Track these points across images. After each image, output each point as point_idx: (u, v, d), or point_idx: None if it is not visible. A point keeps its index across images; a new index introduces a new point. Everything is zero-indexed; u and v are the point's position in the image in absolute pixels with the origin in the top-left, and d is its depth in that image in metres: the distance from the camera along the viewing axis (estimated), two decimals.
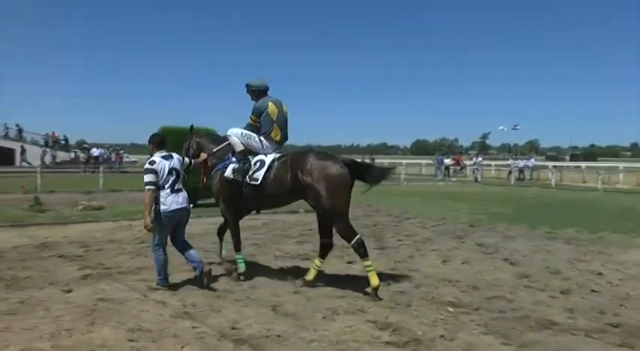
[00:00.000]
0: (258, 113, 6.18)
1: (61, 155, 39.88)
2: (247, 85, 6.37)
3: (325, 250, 6.17)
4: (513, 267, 7.31)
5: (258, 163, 6.01)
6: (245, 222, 11.44)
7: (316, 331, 4.60)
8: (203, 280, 5.84)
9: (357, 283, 6.18)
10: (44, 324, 4.64)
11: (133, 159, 48.31)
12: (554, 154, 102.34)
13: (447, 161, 35.75)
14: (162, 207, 5.64)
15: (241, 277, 6.28)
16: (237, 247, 6.46)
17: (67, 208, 12.72)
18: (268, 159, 6.03)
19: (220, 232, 6.99)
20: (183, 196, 5.81)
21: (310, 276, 6.12)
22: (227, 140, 6.44)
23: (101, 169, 24.12)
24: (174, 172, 5.74)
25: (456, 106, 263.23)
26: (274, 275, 6.62)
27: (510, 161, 36.66)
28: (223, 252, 7.04)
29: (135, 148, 73.27)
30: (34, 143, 40.45)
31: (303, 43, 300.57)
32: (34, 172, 21.31)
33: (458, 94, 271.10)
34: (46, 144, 40.75)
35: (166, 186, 5.67)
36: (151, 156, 5.83)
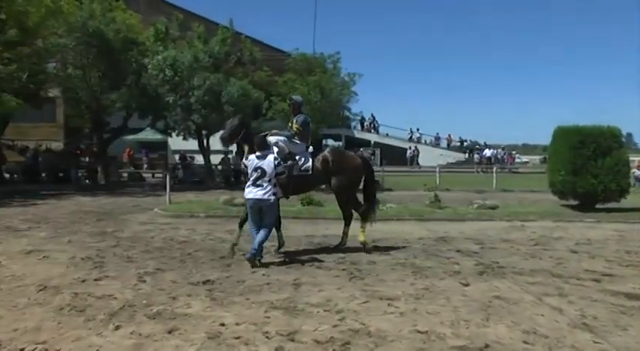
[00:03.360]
0: (305, 124, 8.07)
1: (457, 156, 42.45)
2: (291, 99, 8.50)
3: (365, 216, 8.05)
4: None
5: (303, 159, 7.84)
6: (587, 232, 9.77)
7: None
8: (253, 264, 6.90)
9: None
10: (445, 312, 5.03)
11: (524, 159, 47.62)
12: None
13: None
14: (245, 194, 7.13)
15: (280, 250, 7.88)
16: (278, 226, 8.00)
17: (463, 206, 13.50)
18: (309, 155, 7.93)
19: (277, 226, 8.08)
20: (261, 189, 6.97)
21: (362, 238, 7.93)
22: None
23: (494, 169, 24.76)
24: (259, 170, 7.00)
25: None
26: None
27: None
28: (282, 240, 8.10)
29: (526, 149, 72.44)
30: (428, 145, 44.14)
31: None
32: (434, 171, 23.49)
33: None
34: (448, 145, 44.38)
35: (249, 179, 7.10)
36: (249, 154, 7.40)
